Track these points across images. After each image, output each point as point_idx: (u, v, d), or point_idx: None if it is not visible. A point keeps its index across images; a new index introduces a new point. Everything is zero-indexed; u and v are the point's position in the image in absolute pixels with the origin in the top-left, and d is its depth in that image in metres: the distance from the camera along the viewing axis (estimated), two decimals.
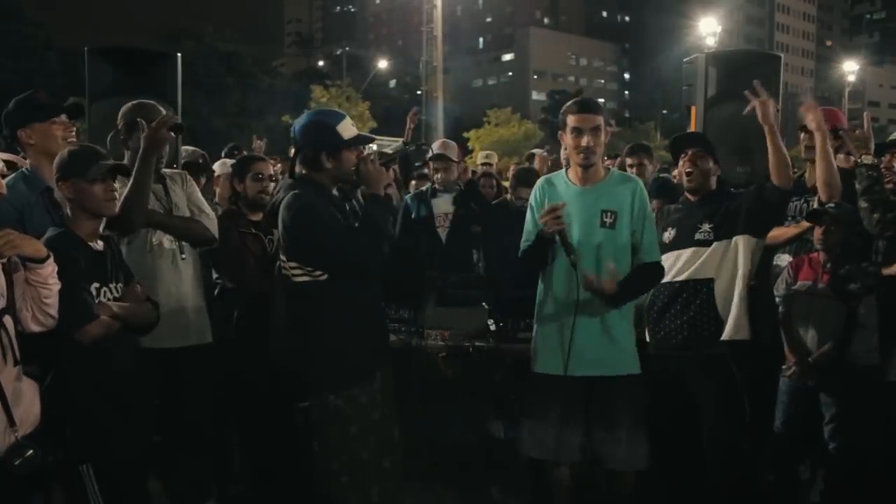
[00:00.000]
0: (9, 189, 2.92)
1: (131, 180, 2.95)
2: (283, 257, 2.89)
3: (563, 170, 3.23)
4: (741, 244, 3.35)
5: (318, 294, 2.82)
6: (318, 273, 2.81)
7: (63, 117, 3.09)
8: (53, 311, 2.41)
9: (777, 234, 3.67)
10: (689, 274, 3.36)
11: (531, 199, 3.20)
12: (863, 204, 3.00)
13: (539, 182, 3.22)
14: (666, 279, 3.36)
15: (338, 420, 2.86)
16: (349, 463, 2.87)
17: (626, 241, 3.05)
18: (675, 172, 4.12)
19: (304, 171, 2.91)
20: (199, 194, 3.42)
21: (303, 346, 2.85)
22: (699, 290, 3.33)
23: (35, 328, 2.40)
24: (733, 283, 3.34)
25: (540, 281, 3.17)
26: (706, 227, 3.37)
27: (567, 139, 3.05)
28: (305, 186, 2.85)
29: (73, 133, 3.19)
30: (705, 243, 3.35)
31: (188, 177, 3.45)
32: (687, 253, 3.38)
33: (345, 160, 2.86)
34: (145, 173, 2.97)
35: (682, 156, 3.51)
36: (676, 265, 3.38)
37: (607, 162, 6.88)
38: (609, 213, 3.02)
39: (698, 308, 3.31)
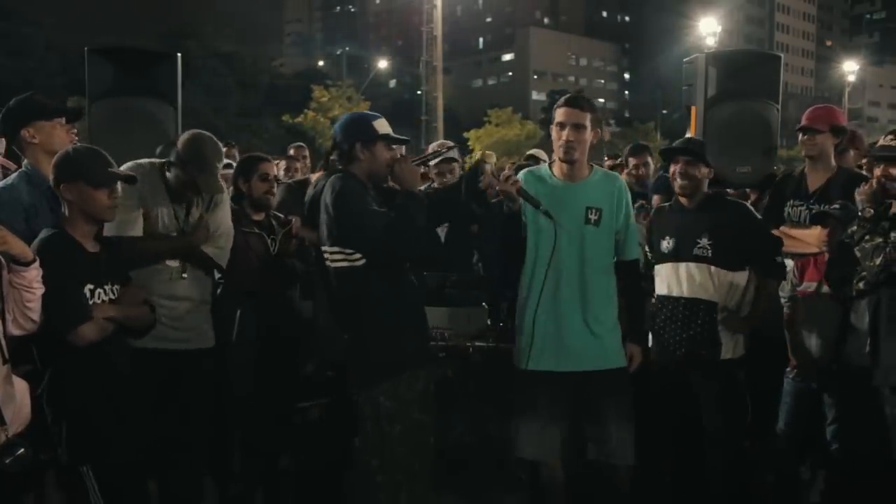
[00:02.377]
0: (13, 188, 2.92)
1: (158, 246, 3.05)
2: (324, 244, 2.94)
3: (547, 164, 3.26)
4: (752, 278, 3.44)
5: (357, 281, 2.88)
6: (356, 257, 2.86)
7: (62, 120, 3.07)
8: (35, 316, 2.38)
9: (788, 245, 3.67)
10: (691, 293, 3.39)
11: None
12: (857, 253, 3.01)
13: (523, 173, 3.21)
14: (664, 292, 3.46)
15: (384, 420, 2.90)
16: (387, 462, 2.91)
17: (609, 238, 3.11)
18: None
19: (339, 166, 2.98)
20: (224, 214, 3.27)
21: (349, 339, 2.93)
22: (700, 309, 3.36)
23: (16, 331, 2.37)
24: (738, 309, 3.41)
25: (521, 276, 3.16)
26: (704, 241, 3.39)
27: (553, 132, 3.10)
28: (345, 175, 2.93)
29: (75, 133, 3.18)
30: (703, 259, 3.38)
31: (219, 196, 3.26)
32: (687, 268, 3.40)
33: (378, 154, 2.95)
34: (175, 252, 3.09)
35: (674, 164, 3.52)
36: (677, 280, 3.41)
37: (608, 162, 6.93)
38: (594, 211, 3.06)
39: (700, 328, 3.35)
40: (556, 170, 3.14)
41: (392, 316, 2.90)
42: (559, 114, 3.05)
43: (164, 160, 3.14)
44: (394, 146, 3.03)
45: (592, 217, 3.05)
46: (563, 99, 3.13)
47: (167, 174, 3.12)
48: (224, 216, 3.28)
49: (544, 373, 3.05)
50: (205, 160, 3.08)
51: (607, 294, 3.11)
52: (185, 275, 3.15)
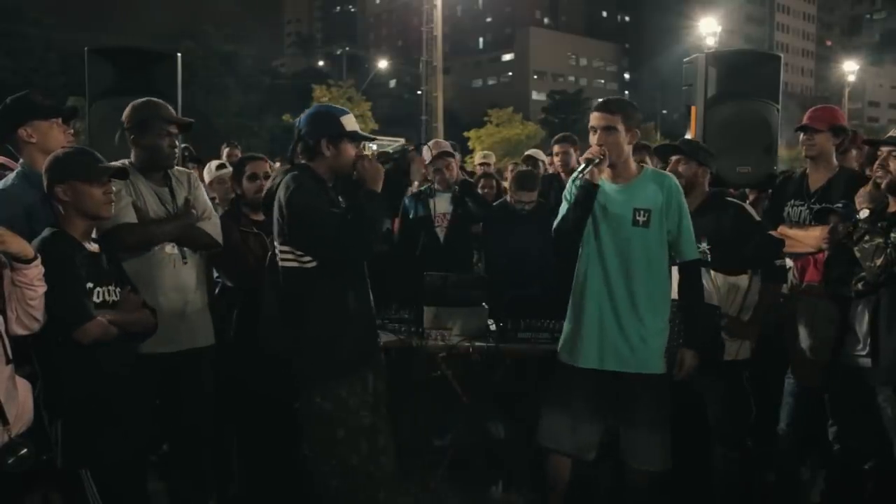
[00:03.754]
0: (13, 188, 2.91)
1: (162, 225, 3.07)
2: (276, 241, 2.90)
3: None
4: (753, 283, 3.43)
5: (304, 281, 2.82)
6: (306, 259, 2.81)
7: (59, 120, 3.07)
8: (38, 314, 2.37)
9: (787, 246, 3.65)
10: None
11: (566, 192, 3.17)
12: (857, 254, 3.02)
13: (575, 176, 3.15)
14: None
15: (324, 422, 2.84)
16: (339, 466, 2.85)
17: (659, 240, 3.06)
18: None
19: (303, 160, 2.93)
20: (205, 196, 3.39)
21: (291, 336, 2.86)
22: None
23: (19, 331, 2.36)
24: (740, 312, 3.40)
25: (576, 270, 3.16)
26: (704, 245, 3.40)
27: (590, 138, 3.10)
28: (303, 172, 2.86)
29: (71, 134, 3.19)
30: (703, 263, 3.37)
31: (195, 177, 3.40)
32: None
33: (344, 151, 2.88)
34: (173, 232, 3.10)
35: (668, 164, 3.53)
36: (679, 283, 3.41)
37: None
38: (642, 212, 3.03)
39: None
40: (605, 173, 3.10)
41: (334, 320, 2.83)
42: (591, 118, 3.07)
43: (127, 160, 3.16)
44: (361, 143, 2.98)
45: (640, 219, 3.02)
46: (596, 103, 3.14)
47: (140, 156, 3.14)
48: (205, 197, 3.36)
49: (583, 369, 3.06)
50: (154, 105, 3.15)
51: (657, 297, 3.07)
52: (186, 260, 3.19)
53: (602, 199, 3.04)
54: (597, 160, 2.96)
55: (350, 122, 2.91)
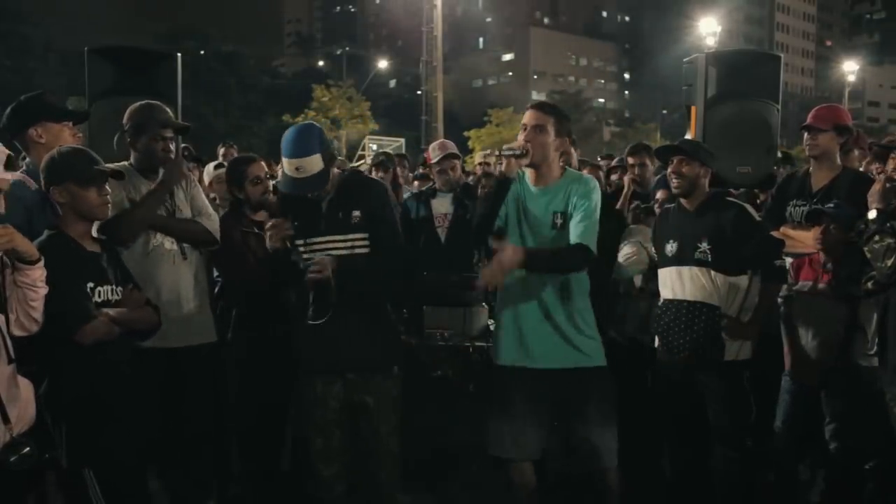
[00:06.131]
0: (17, 187, 2.91)
1: (143, 202, 3.09)
2: None
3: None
4: (753, 284, 3.42)
5: None
6: None
7: (70, 123, 3.10)
8: (38, 316, 2.37)
9: (788, 246, 3.64)
10: (693, 296, 3.38)
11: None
12: (867, 254, 3.01)
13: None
14: (669, 296, 3.45)
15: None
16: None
17: None
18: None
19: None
20: (203, 195, 3.42)
21: None
22: (703, 312, 3.35)
23: (18, 332, 2.36)
24: (740, 312, 3.40)
25: None
26: (704, 245, 3.38)
27: None
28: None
29: (80, 138, 3.21)
30: (704, 263, 3.38)
31: (191, 177, 3.43)
32: (690, 272, 3.39)
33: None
34: (159, 200, 3.14)
35: (668, 164, 3.53)
36: (680, 283, 3.41)
37: (602, 162, 6.89)
38: (559, 215, 3.04)
39: (702, 330, 3.35)
40: (528, 175, 3.11)
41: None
42: (524, 117, 3.08)
43: (124, 162, 3.20)
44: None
45: (558, 221, 3.03)
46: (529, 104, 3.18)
47: (137, 158, 3.20)
48: (202, 195, 3.42)
49: (519, 368, 3.04)
50: (150, 109, 3.20)
51: (581, 296, 3.08)
52: (185, 257, 3.22)
53: (525, 201, 3.06)
54: (519, 152, 2.97)
55: (286, 166, 2.98)
